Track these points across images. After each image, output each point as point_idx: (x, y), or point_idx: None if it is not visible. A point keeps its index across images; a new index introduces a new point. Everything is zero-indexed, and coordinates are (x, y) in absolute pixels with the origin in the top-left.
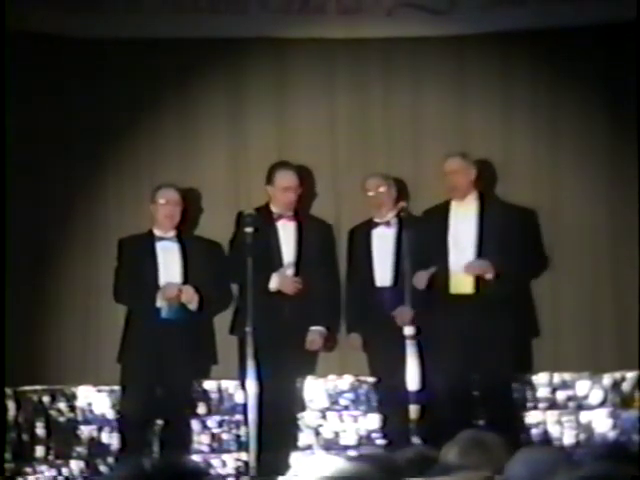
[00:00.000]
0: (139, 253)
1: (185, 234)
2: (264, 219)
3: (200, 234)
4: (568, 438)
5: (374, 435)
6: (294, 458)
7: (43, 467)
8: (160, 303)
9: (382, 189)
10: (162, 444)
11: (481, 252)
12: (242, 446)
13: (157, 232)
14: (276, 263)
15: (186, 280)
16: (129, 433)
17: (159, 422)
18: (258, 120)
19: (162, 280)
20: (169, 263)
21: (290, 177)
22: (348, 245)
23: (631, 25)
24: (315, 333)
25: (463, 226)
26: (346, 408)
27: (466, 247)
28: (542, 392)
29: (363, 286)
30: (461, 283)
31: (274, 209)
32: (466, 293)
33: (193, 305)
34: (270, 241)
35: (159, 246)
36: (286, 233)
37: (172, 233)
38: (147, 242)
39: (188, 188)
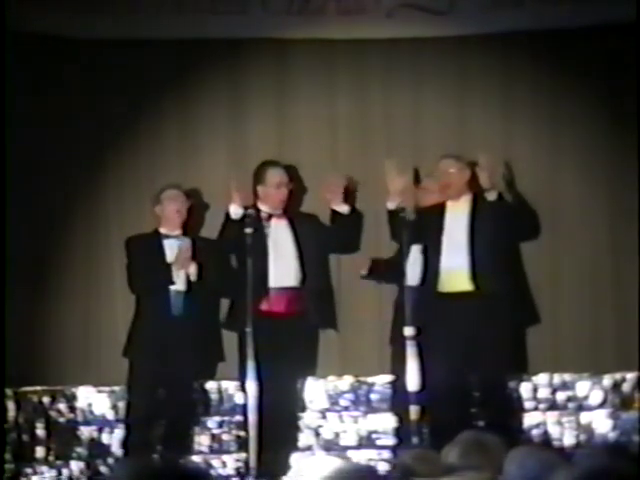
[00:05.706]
0: (147, 251)
1: (190, 234)
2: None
3: (200, 234)
4: (568, 439)
5: (374, 436)
6: (294, 459)
7: (43, 468)
8: (176, 277)
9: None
10: (165, 444)
11: (474, 252)
12: (242, 447)
13: (163, 231)
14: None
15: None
16: (134, 431)
17: (162, 421)
18: (258, 120)
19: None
20: None
21: (281, 173)
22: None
23: (631, 25)
24: None
25: (457, 226)
26: (346, 409)
27: (460, 247)
28: (542, 393)
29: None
30: (456, 281)
31: (263, 208)
32: (462, 291)
33: (192, 273)
34: (262, 241)
35: (167, 244)
36: (280, 232)
37: (178, 231)
38: (154, 240)
39: (191, 189)
